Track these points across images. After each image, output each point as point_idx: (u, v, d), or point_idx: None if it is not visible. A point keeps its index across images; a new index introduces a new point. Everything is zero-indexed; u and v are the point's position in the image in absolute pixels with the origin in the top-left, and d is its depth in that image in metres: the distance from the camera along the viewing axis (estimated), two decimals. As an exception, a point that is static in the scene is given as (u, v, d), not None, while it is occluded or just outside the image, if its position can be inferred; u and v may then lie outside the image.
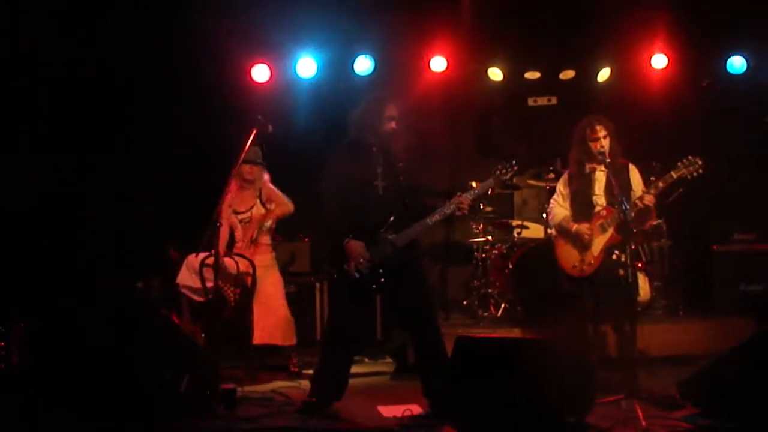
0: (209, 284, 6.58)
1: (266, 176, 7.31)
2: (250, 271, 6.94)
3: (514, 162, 5.85)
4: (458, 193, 5.76)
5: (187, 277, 7.00)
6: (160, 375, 5.41)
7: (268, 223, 7.19)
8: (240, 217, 7.20)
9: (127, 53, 8.34)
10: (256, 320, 6.97)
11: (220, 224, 6.11)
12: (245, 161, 6.95)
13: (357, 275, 5.56)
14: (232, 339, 7.22)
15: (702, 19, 8.91)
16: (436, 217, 5.68)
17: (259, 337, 6.97)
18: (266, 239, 7.25)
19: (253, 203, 7.22)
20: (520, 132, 9.84)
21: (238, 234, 7.19)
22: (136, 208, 8.23)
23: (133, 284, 8.11)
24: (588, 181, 6.33)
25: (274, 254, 7.34)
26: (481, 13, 8.79)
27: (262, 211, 7.20)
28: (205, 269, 6.70)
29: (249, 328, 6.92)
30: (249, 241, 7.14)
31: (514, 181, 9.12)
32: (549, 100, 9.97)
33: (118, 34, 8.25)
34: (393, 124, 5.78)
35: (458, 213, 5.74)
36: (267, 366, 7.30)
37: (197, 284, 6.86)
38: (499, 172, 5.85)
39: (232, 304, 7.02)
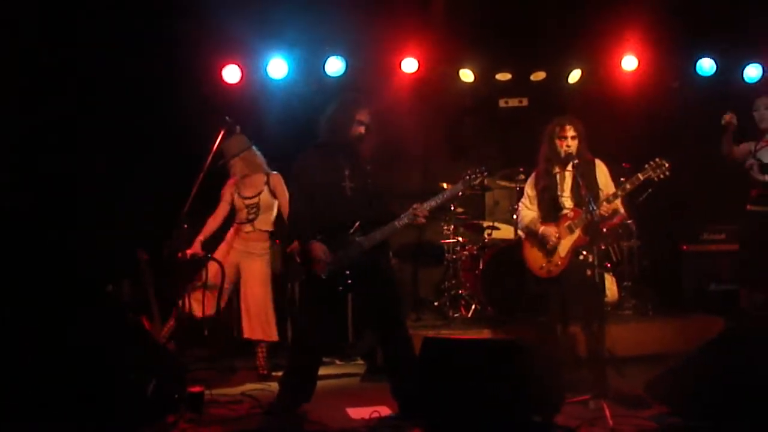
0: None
1: (259, 159, 7.27)
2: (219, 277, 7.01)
3: (483, 168, 5.86)
4: (414, 206, 5.76)
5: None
6: (126, 378, 5.37)
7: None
8: (247, 202, 7.14)
9: (96, 53, 8.28)
10: (243, 314, 7.03)
11: (186, 226, 6.09)
12: (232, 156, 6.99)
13: (323, 276, 5.56)
14: (203, 342, 7.22)
15: (672, 22, 8.95)
16: (405, 220, 5.70)
17: (249, 332, 7.02)
18: (268, 226, 7.22)
19: (261, 189, 7.18)
20: (492, 133, 9.88)
21: (242, 216, 7.15)
22: (105, 209, 8.19)
23: (103, 287, 8.05)
24: (555, 182, 6.35)
25: (269, 243, 7.28)
26: (452, 14, 8.78)
27: (269, 199, 7.17)
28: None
29: (221, 329, 6.93)
30: (255, 228, 7.14)
31: (485, 182, 9.14)
32: (520, 102, 10.00)
33: (87, 33, 8.19)
34: (362, 129, 5.79)
35: (415, 222, 5.76)
36: (236, 368, 7.28)
37: None
38: (468, 177, 5.86)
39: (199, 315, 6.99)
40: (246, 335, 7.02)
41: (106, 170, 8.31)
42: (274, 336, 7.09)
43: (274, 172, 7.23)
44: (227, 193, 7.22)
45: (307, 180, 5.74)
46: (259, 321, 7.02)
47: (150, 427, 5.35)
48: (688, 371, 5.36)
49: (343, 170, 5.74)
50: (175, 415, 5.49)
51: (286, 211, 7.00)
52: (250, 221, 7.12)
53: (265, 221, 7.16)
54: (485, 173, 5.89)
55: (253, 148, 7.19)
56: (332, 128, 5.81)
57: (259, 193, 7.15)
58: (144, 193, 8.19)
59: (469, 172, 5.86)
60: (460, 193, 6.10)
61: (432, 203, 5.76)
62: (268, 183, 7.19)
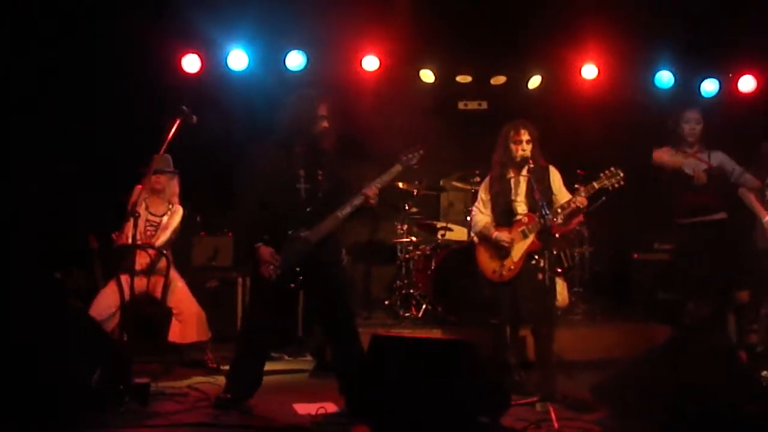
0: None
1: (177, 188, 7.23)
2: (164, 270, 6.94)
3: (418, 147, 5.86)
4: (362, 189, 5.75)
5: None
6: (70, 367, 5.27)
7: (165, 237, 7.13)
8: (150, 218, 7.05)
9: (53, 40, 8.19)
10: (179, 320, 6.93)
11: (138, 214, 6.01)
12: (154, 171, 6.84)
13: (273, 277, 5.55)
14: (150, 334, 7.13)
15: (633, 34, 9.04)
16: (347, 209, 5.68)
17: (174, 334, 6.91)
18: (165, 247, 7.14)
19: (165, 212, 7.13)
20: (450, 135, 9.88)
21: (140, 227, 6.92)
22: (56, 195, 8.09)
23: (50, 273, 7.94)
24: (509, 186, 6.38)
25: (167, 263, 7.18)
26: (414, 14, 8.79)
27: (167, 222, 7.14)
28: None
29: (167, 323, 6.85)
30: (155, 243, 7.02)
31: (441, 183, 9.16)
32: (479, 105, 10.06)
33: (44, 21, 8.09)
34: (325, 124, 5.76)
35: (367, 204, 5.74)
36: (185, 362, 7.20)
37: None
38: (405, 158, 5.86)
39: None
40: (171, 338, 6.92)
41: (58, 155, 8.21)
42: (204, 335, 7.03)
43: (177, 205, 7.20)
44: (134, 196, 6.91)
45: (261, 179, 5.70)
46: (187, 325, 6.93)
47: (94, 418, 5.26)
48: (633, 376, 5.41)
49: (298, 170, 5.70)
50: (120, 406, 5.41)
51: (167, 234, 7.04)
52: (148, 237, 7.02)
53: (161, 241, 7.06)
54: (421, 152, 5.89)
55: (176, 178, 7.21)
56: (295, 126, 5.74)
57: (163, 215, 7.11)
58: (98, 181, 8.12)
59: (405, 152, 5.89)
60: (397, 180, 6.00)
61: (377, 184, 5.76)
62: (170, 209, 7.14)
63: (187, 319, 6.93)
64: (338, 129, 5.92)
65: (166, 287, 6.91)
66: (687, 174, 7.01)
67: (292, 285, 5.65)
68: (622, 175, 6.10)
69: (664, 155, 7.18)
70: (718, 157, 7.03)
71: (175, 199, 7.22)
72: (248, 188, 5.75)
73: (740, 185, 7.13)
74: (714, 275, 6.94)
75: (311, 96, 5.84)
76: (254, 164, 5.77)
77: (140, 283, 6.82)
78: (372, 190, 5.72)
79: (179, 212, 7.18)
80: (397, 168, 5.88)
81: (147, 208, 7.02)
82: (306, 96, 5.85)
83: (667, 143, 7.24)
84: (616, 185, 6.13)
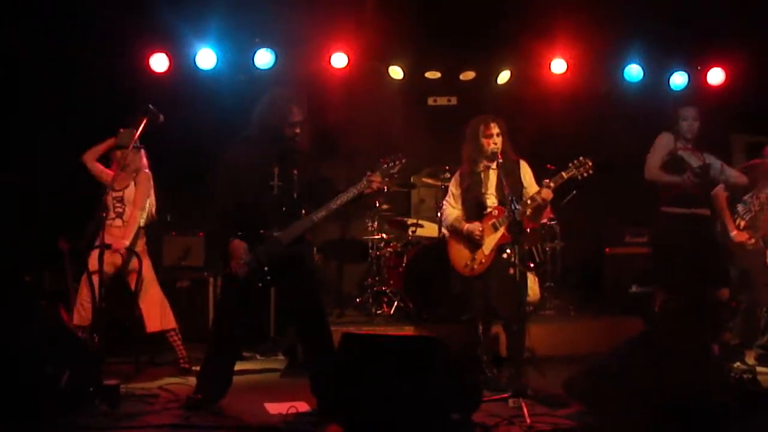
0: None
1: (144, 160, 7.09)
2: (137, 267, 6.85)
3: (400, 155, 5.82)
4: (368, 173, 5.71)
5: None
6: (39, 369, 5.22)
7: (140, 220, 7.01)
8: (114, 194, 6.92)
9: (19, 36, 8.10)
10: (144, 309, 6.86)
11: (105, 215, 5.95)
12: (117, 147, 6.82)
13: (242, 274, 5.50)
14: (120, 334, 7.07)
15: (601, 28, 9.06)
16: (322, 212, 5.64)
17: (150, 326, 6.85)
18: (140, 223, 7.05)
19: (128, 184, 6.98)
20: (420, 131, 9.88)
21: (111, 213, 6.87)
22: (25, 197, 8.01)
23: (20, 276, 7.85)
24: (479, 180, 6.37)
25: (145, 239, 7.09)
26: (383, 10, 8.76)
27: (134, 193, 6.99)
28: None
29: (137, 322, 6.79)
30: (124, 224, 6.90)
31: (411, 179, 9.14)
32: (449, 101, 10.07)
33: (6, 18, 8.00)
34: (296, 130, 5.69)
35: (368, 191, 5.70)
36: (157, 362, 7.18)
37: None
38: (386, 165, 5.80)
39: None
40: (149, 330, 6.88)
41: (25, 157, 8.13)
42: (170, 323, 6.98)
43: (146, 171, 7.08)
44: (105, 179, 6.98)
45: (235, 175, 5.65)
46: (157, 314, 6.90)
47: (63, 420, 5.20)
48: (604, 371, 5.41)
49: (272, 168, 5.65)
50: (90, 407, 5.36)
51: (139, 206, 6.91)
52: (119, 215, 6.93)
53: (135, 221, 6.94)
54: (403, 160, 5.83)
55: (141, 151, 7.07)
56: (263, 128, 5.70)
57: (126, 187, 6.99)
58: (67, 182, 8.03)
59: (386, 160, 5.81)
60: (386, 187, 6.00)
61: (381, 174, 5.74)
62: (135, 179, 7.03)
63: (149, 308, 6.88)
64: (311, 130, 5.87)
65: (139, 282, 6.86)
66: (686, 162, 7.07)
67: (260, 284, 5.61)
68: (590, 164, 6.11)
69: (662, 175, 7.19)
70: (709, 156, 7.11)
71: (145, 169, 7.08)
72: (221, 186, 5.69)
73: (720, 182, 7.18)
74: (691, 270, 6.97)
75: (285, 99, 5.73)
76: (227, 161, 5.72)
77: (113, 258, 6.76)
78: (377, 179, 5.69)
79: (146, 177, 7.03)
80: (377, 176, 5.76)
81: (113, 187, 6.83)
82: (280, 97, 5.75)
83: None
84: (585, 174, 6.13)
